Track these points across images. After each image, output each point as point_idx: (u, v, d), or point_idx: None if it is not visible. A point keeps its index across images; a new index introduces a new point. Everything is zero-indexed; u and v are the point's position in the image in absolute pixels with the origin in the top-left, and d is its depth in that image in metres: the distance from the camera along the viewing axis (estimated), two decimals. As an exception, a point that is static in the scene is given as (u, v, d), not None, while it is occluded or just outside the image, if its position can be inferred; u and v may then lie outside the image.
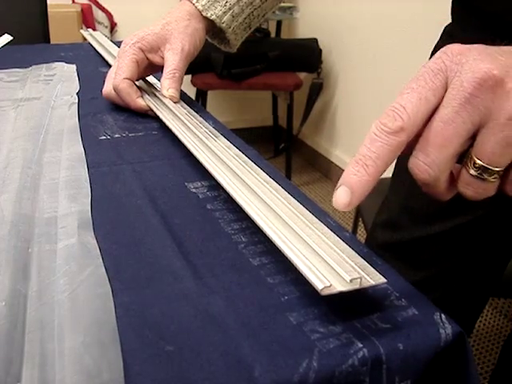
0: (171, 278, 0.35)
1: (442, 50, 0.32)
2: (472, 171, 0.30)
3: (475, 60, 0.29)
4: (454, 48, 0.31)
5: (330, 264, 0.32)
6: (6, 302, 0.31)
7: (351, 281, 0.30)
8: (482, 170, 0.30)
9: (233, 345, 0.30)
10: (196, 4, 0.66)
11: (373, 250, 0.39)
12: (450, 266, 0.69)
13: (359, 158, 0.31)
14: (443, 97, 0.30)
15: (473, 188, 0.31)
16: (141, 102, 0.64)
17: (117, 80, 0.63)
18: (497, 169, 0.30)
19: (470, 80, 0.29)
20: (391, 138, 0.30)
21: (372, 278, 0.31)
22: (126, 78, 0.63)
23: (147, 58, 0.66)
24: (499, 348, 1.46)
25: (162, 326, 0.31)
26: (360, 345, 0.30)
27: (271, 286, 0.35)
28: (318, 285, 0.30)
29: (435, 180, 0.31)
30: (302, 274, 0.32)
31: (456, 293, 0.71)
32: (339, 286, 0.30)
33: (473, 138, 0.30)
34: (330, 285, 0.30)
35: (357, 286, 0.31)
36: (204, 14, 0.67)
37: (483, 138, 0.29)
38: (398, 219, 0.72)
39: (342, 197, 0.31)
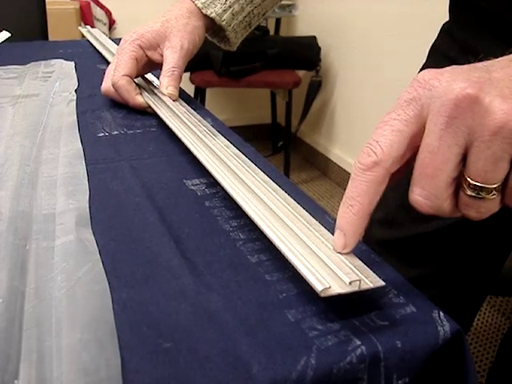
0: (169, 275, 0.35)
1: (414, 78, 0.31)
2: (469, 192, 0.30)
3: (448, 82, 0.29)
4: (425, 74, 0.30)
5: (329, 266, 0.32)
6: (4, 299, 0.31)
7: (350, 283, 0.31)
8: (479, 189, 0.29)
9: (231, 342, 0.30)
10: (196, 2, 0.66)
11: (370, 246, 0.39)
12: (447, 263, 0.69)
13: (344, 199, 0.32)
14: (421, 124, 0.30)
15: (474, 209, 0.31)
16: (139, 99, 0.64)
17: (116, 77, 0.63)
18: (493, 186, 0.29)
19: (445, 103, 0.28)
20: (367, 174, 0.31)
21: (371, 280, 0.31)
22: (125, 75, 0.63)
23: (146, 56, 0.66)
24: (497, 346, 1.47)
25: (160, 323, 0.31)
26: (358, 342, 0.30)
27: (269, 283, 0.35)
28: (318, 286, 0.30)
29: (439, 208, 0.31)
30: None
31: (453, 290, 0.71)
32: (338, 288, 0.30)
33: (464, 159, 0.30)
34: (329, 286, 0.30)
35: (356, 289, 0.31)
36: (204, 11, 0.66)
37: (472, 157, 0.29)
38: (395, 216, 0.72)
39: (337, 240, 0.33)
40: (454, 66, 0.30)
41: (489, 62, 0.31)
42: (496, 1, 0.55)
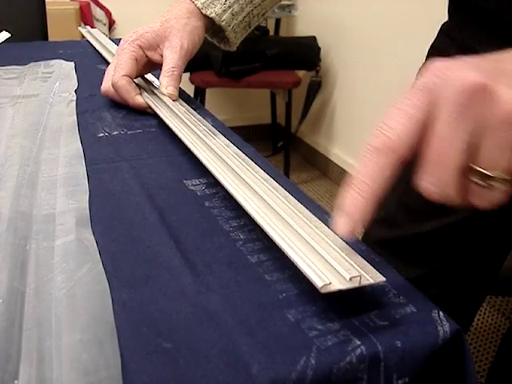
0: (169, 275, 0.35)
1: (426, 67, 0.31)
2: (477, 180, 0.30)
3: (459, 71, 0.29)
4: (437, 64, 0.31)
5: (330, 262, 0.32)
6: (4, 300, 0.31)
7: (350, 279, 0.30)
8: (487, 177, 0.29)
9: (230, 342, 0.30)
10: (195, 2, 0.66)
11: (369, 246, 0.39)
12: (447, 262, 0.70)
13: (353, 182, 0.31)
14: (433, 113, 0.30)
15: (484, 198, 0.31)
16: (139, 99, 0.64)
17: (115, 77, 0.63)
18: (501, 174, 0.29)
19: (457, 91, 0.29)
20: (381, 158, 0.30)
21: (371, 276, 0.31)
22: (125, 75, 0.63)
23: (146, 56, 0.66)
24: (496, 346, 1.47)
25: (160, 324, 0.31)
26: (358, 342, 0.30)
27: (269, 283, 0.35)
28: (318, 283, 0.30)
29: (447, 196, 0.31)
30: (300, 272, 0.32)
31: (453, 290, 0.71)
32: (338, 284, 0.30)
33: (473, 147, 0.30)
34: (330, 283, 0.30)
35: (356, 285, 0.31)
36: (203, 11, 0.66)
37: (481, 145, 0.29)
38: (395, 216, 0.72)
39: (343, 225, 0.32)
40: (463, 58, 0.30)
41: (498, 54, 0.31)
42: (495, 1, 0.55)
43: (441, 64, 0.30)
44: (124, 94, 0.63)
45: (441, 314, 0.32)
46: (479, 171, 0.29)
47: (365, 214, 0.31)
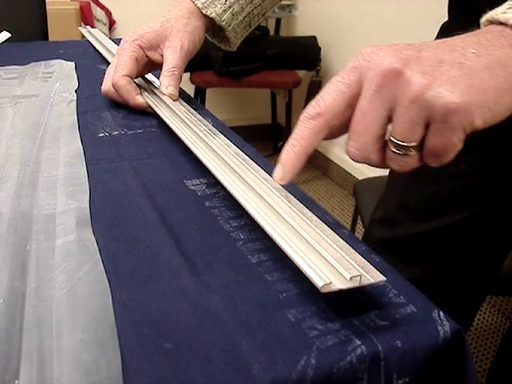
0: (169, 275, 0.35)
1: (360, 50, 0.37)
2: (392, 148, 0.35)
3: (381, 56, 0.35)
4: (367, 48, 0.36)
5: (330, 262, 0.32)
6: (4, 300, 0.31)
7: (351, 279, 0.30)
8: (399, 146, 0.35)
9: (231, 342, 0.30)
10: (196, 2, 0.66)
11: (370, 246, 0.39)
12: (447, 262, 0.70)
13: (289, 141, 0.38)
14: (359, 89, 0.36)
15: (397, 162, 0.36)
16: (140, 99, 0.64)
17: (116, 77, 0.63)
18: (411, 144, 0.34)
19: (376, 73, 0.34)
20: (311, 122, 0.37)
21: (371, 276, 0.31)
22: (125, 75, 0.63)
23: (146, 56, 0.66)
24: (497, 346, 1.47)
25: (160, 323, 0.31)
26: (358, 342, 0.30)
27: (269, 283, 0.35)
28: (318, 282, 0.30)
29: (366, 159, 0.37)
30: (300, 272, 0.32)
31: (453, 290, 0.71)
32: (339, 284, 0.30)
33: (390, 121, 0.35)
34: (330, 282, 0.30)
35: (356, 284, 0.31)
36: (204, 11, 0.67)
37: (394, 120, 0.34)
38: (395, 216, 0.72)
39: (276, 172, 0.39)
40: (394, 44, 0.36)
41: (428, 41, 0.36)
42: (494, 1, 0.55)
43: (370, 49, 0.36)
44: (124, 94, 0.63)
45: (441, 313, 0.32)
46: (394, 141, 0.35)
47: (295, 165, 0.38)
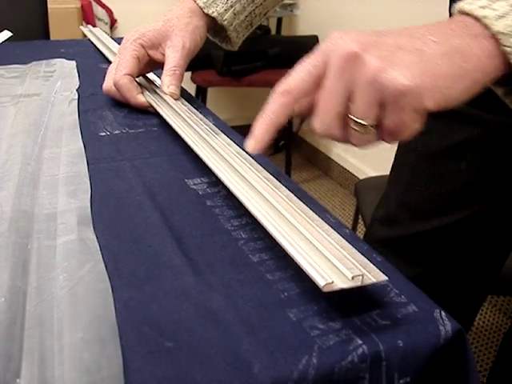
0: (171, 275, 0.35)
1: (329, 34, 0.39)
2: (352, 125, 0.37)
3: (345, 41, 0.37)
4: (335, 33, 0.38)
5: (332, 261, 0.32)
6: (6, 299, 0.31)
7: (353, 278, 0.30)
8: (358, 124, 0.37)
9: (232, 341, 0.30)
10: (197, 1, 0.66)
11: (371, 245, 0.39)
12: (448, 261, 0.70)
13: (260, 114, 0.40)
14: (325, 70, 0.38)
15: (357, 138, 0.38)
16: (141, 98, 0.64)
17: (117, 76, 0.63)
18: (368, 123, 0.36)
19: (339, 56, 0.36)
20: (280, 98, 0.39)
21: (373, 275, 0.31)
22: (127, 74, 0.63)
23: (148, 55, 0.66)
24: (498, 345, 1.47)
25: (162, 323, 0.31)
26: (359, 341, 0.30)
27: (271, 282, 0.35)
28: (320, 281, 0.30)
29: (330, 134, 0.39)
30: (302, 271, 0.32)
31: (453, 289, 0.71)
32: (341, 283, 0.30)
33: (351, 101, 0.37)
34: (332, 282, 0.30)
35: (358, 284, 0.31)
36: (205, 11, 0.67)
37: (353, 100, 0.36)
38: (396, 215, 0.72)
39: (249, 143, 0.41)
40: (359, 30, 0.38)
41: (394, 29, 0.38)
42: None
43: (337, 34, 0.38)
44: (126, 93, 0.63)
45: (442, 313, 0.32)
46: (355, 120, 0.37)
47: (264, 136, 0.40)
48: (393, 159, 0.75)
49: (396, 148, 0.73)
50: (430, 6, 1.49)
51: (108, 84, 0.66)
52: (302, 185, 2.38)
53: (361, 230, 1.83)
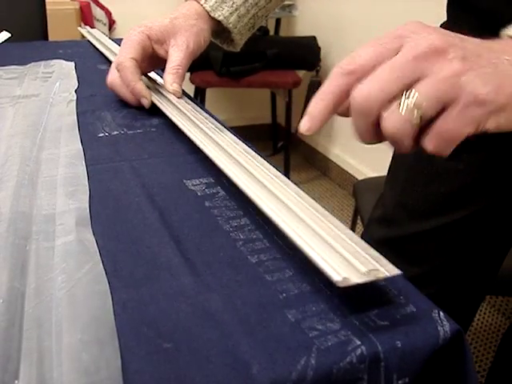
0: (169, 276, 0.35)
1: (407, 22, 0.38)
2: (403, 106, 0.35)
3: (429, 34, 0.36)
4: (414, 23, 0.37)
5: (345, 256, 0.32)
6: (4, 300, 0.31)
7: (367, 272, 0.30)
8: (409, 109, 0.34)
9: (230, 342, 0.30)
10: (204, 5, 0.67)
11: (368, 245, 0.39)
12: (445, 262, 0.70)
13: (318, 93, 0.38)
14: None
15: (394, 123, 0.35)
16: (140, 85, 0.63)
17: (122, 57, 0.62)
18: (423, 113, 0.34)
19: (422, 43, 0.35)
20: (342, 77, 0.37)
21: (387, 269, 0.31)
22: (132, 58, 0.62)
23: (152, 48, 0.65)
24: (496, 346, 1.47)
25: (160, 324, 0.31)
26: (358, 342, 0.30)
27: (269, 283, 0.35)
28: (335, 277, 0.30)
29: (366, 108, 0.36)
30: (301, 272, 0.32)
31: (451, 289, 0.71)
32: (355, 278, 0.30)
33: (407, 89, 0.35)
34: (347, 277, 0.30)
35: (372, 278, 0.30)
36: (212, 14, 0.67)
37: (422, 83, 0.34)
38: (394, 215, 0.72)
39: (303, 123, 0.39)
40: (438, 27, 0.37)
41: (465, 36, 0.37)
42: (493, 1, 0.55)
43: (418, 24, 0.37)
44: (128, 76, 0.62)
45: (441, 313, 0.32)
46: (408, 102, 0.34)
47: (323, 117, 0.38)
48: (391, 160, 0.75)
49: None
50: (429, 7, 1.49)
51: (112, 76, 0.65)
52: (301, 185, 2.38)
53: (359, 230, 1.83)
